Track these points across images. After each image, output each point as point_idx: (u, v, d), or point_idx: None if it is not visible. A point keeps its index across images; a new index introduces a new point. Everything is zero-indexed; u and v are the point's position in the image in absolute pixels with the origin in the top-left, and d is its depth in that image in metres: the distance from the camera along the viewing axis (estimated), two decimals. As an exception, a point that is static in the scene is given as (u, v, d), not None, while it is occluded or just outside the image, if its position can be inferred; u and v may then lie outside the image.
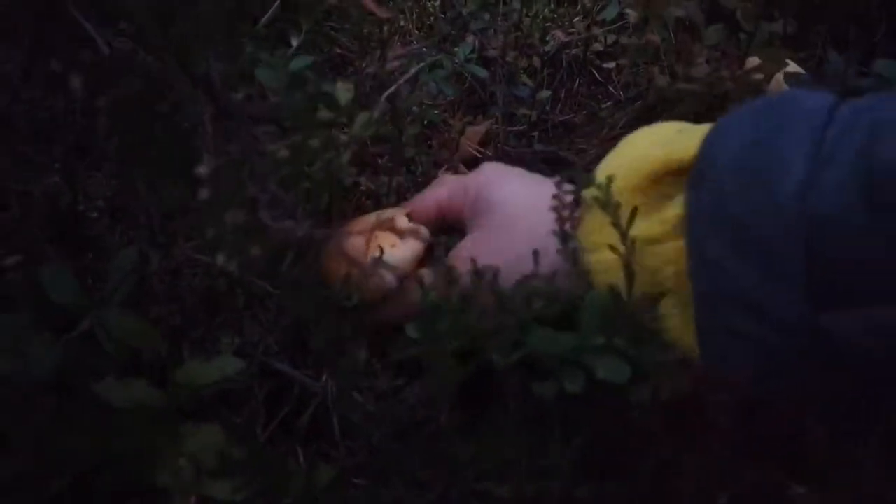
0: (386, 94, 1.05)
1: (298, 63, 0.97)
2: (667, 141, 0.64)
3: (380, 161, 1.16)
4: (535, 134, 1.31)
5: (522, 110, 1.30)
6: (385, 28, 1.04)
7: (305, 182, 0.58)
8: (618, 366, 0.66)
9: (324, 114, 0.93)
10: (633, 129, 1.30)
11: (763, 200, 0.53)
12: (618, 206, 0.61)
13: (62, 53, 0.42)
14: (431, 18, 1.63)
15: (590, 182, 0.63)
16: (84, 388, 0.54)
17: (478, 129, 1.30)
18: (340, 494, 0.59)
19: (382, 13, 1.00)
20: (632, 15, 1.09)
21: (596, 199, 0.62)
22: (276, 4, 1.19)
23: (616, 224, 0.61)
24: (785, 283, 0.51)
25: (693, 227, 0.58)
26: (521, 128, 1.32)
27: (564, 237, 0.65)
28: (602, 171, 0.67)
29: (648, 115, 1.27)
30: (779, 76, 1.12)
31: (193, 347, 0.74)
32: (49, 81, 0.54)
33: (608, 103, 1.36)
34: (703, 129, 0.62)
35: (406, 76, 1.13)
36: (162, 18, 0.46)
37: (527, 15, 1.39)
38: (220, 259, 0.41)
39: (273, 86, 0.93)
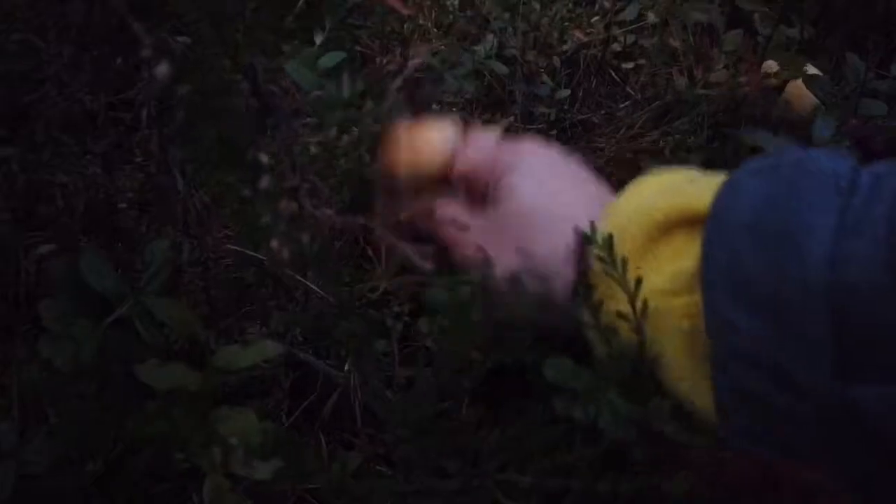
0: (401, 87, 1.06)
1: (328, 60, 0.99)
2: (677, 191, 0.63)
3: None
4: (554, 133, 1.33)
5: (541, 109, 1.31)
6: (406, 25, 1.06)
7: (336, 175, 0.60)
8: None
9: (353, 112, 0.95)
10: (651, 130, 1.33)
11: (787, 265, 0.52)
12: (625, 263, 0.60)
13: (115, 51, 0.44)
14: (451, 17, 1.65)
15: (592, 239, 0.63)
16: (123, 372, 0.56)
17: (496, 128, 1.31)
18: (367, 482, 0.60)
19: (404, 10, 1.01)
20: (651, 17, 1.10)
21: (601, 259, 0.61)
22: (302, 1, 1.21)
23: (623, 285, 0.60)
24: (809, 348, 0.51)
25: (708, 283, 0.56)
26: (540, 126, 1.33)
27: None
28: (609, 219, 0.66)
29: (666, 117, 1.28)
30: (798, 82, 1.13)
31: (220, 336, 0.76)
32: (95, 76, 0.56)
33: (626, 103, 1.37)
34: (715, 181, 0.60)
35: (426, 73, 1.15)
36: (212, 17, 0.47)
37: (546, 15, 1.40)
38: (272, 246, 0.43)
39: (303, 82, 0.95)
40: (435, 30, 1.63)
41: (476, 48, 1.20)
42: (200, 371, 0.55)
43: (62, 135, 0.66)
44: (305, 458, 0.61)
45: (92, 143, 0.69)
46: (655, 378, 0.61)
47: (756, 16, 1.07)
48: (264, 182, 0.42)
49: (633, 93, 1.42)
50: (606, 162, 1.26)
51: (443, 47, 1.25)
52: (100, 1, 0.50)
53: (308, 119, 0.54)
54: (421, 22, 1.64)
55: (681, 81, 1.09)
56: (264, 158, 0.43)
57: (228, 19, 0.46)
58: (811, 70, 1.14)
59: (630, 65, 1.34)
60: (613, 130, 1.35)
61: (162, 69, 0.39)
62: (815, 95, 1.03)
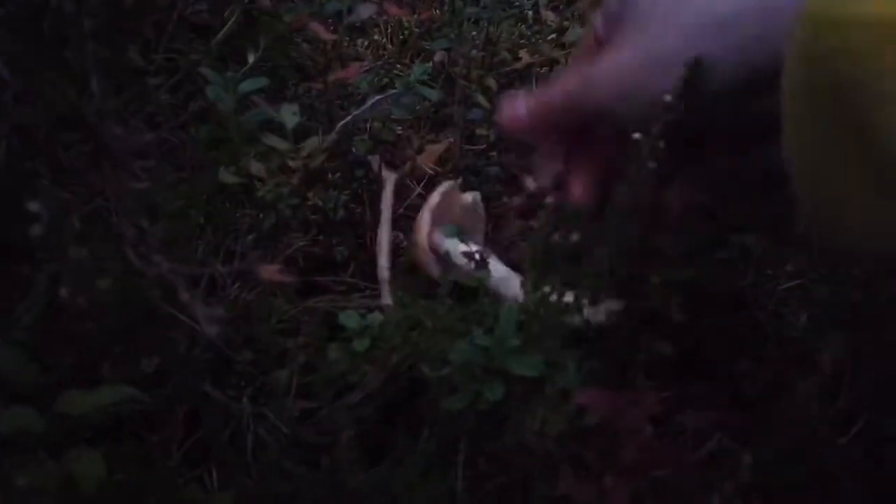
0: (341, 123, 1.05)
1: (250, 85, 0.98)
2: None
3: (329, 176, 1.16)
4: (494, 154, 1.32)
5: (480, 130, 1.31)
6: (333, 48, 1.05)
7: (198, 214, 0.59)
8: (532, 361, 0.66)
9: (271, 139, 0.94)
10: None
11: None
12: None
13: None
14: (405, 33, 1.65)
15: None
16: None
17: (436, 148, 1.31)
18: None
19: (326, 35, 1.00)
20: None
21: None
22: (234, 20, 1.21)
23: None
24: None
25: None
26: (481, 147, 1.33)
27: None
28: None
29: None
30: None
31: (112, 367, 0.75)
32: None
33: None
34: None
35: (359, 96, 1.15)
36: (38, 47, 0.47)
37: (492, 36, 1.40)
38: (64, 292, 0.42)
39: (222, 107, 0.94)
40: (390, 45, 1.62)
41: (409, 70, 1.19)
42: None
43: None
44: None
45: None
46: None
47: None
48: (36, 230, 0.41)
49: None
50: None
51: (378, 65, 1.24)
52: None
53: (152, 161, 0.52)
54: (376, 37, 1.64)
55: None
56: (35, 206, 0.41)
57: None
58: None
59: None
60: (556, 151, 1.34)
61: None
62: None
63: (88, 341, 0.59)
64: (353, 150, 1.19)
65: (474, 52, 1.42)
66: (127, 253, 0.46)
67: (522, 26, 1.58)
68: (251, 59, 1.18)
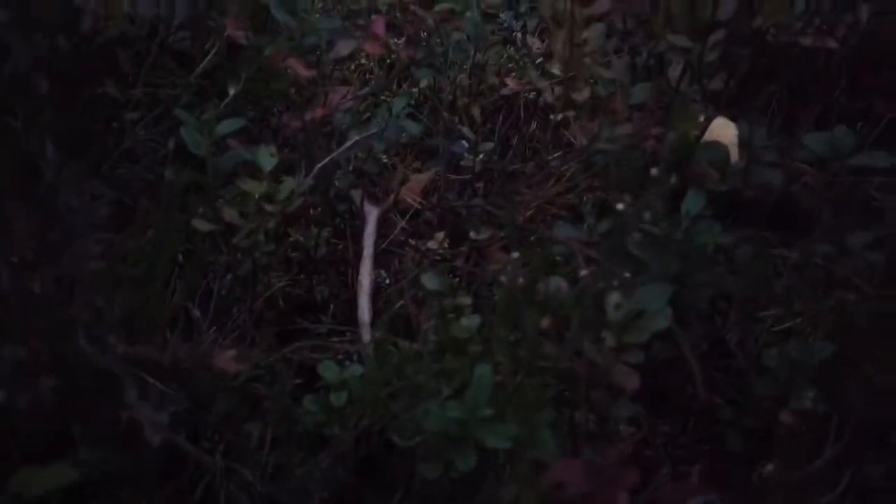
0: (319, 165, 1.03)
1: (227, 127, 0.96)
2: None
3: (311, 212, 1.14)
4: (481, 185, 1.30)
5: (465, 162, 1.29)
6: (311, 86, 1.03)
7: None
8: (505, 432, 0.64)
9: (247, 183, 0.92)
10: (581, 181, 1.30)
11: None
12: None
13: None
14: (392, 56, 1.63)
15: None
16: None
17: (420, 179, 1.29)
18: None
19: (305, 72, 0.98)
20: (558, 71, 1.07)
21: None
22: (215, 50, 1.19)
23: None
24: None
25: None
26: (467, 177, 1.31)
27: None
28: None
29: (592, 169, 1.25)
30: (718, 129, 1.10)
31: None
32: None
33: (557, 154, 1.34)
34: None
35: (340, 133, 1.13)
36: None
37: (479, 62, 1.38)
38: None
39: (197, 150, 0.92)
40: (378, 69, 1.60)
41: (399, 95, 1.17)
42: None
43: None
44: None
45: None
46: None
47: (670, 67, 1.04)
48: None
49: (571, 138, 1.39)
50: (529, 219, 1.23)
51: (361, 93, 1.22)
52: None
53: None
54: (363, 61, 1.62)
55: (581, 139, 1.06)
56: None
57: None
58: (724, 125, 1.12)
59: (559, 116, 1.31)
60: (543, 180, 1.32)
61: None
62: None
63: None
64: (336, 183, 1.17)
65: (460, 78, 1.40)
66: (79, 340, 0.44)
67: (510, 49, 1.57)
68: (232, 91, 1.16)
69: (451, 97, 1.40)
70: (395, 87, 1.49)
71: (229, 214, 0.88)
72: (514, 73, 1.50)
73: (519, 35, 1.67)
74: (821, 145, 0.98)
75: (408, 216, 1.24)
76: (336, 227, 1.17)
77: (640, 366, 0.73)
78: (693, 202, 0.83)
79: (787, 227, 1.15)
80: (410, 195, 1.26)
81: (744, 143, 0.96)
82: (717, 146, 1.00)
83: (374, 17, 1.04)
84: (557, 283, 0.79)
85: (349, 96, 1.17)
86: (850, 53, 1.29)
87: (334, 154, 1.00)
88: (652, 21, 1.09)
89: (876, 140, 1.30)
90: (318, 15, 1.22)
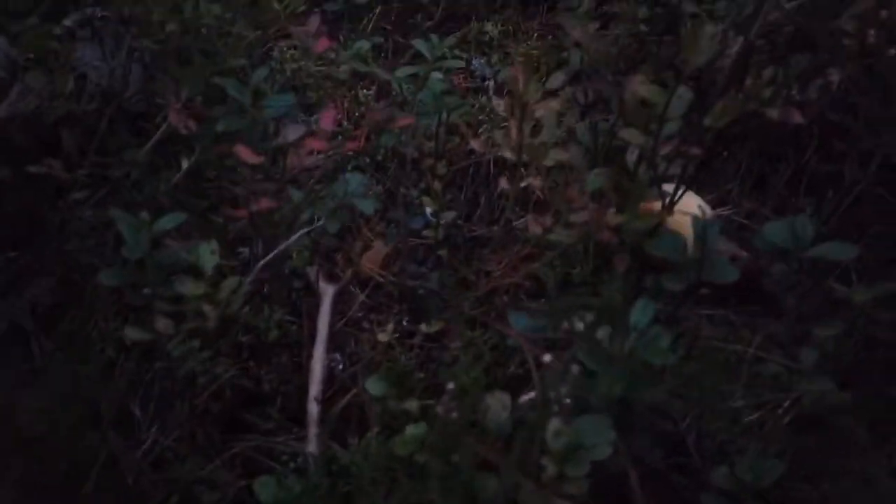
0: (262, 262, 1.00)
1: (165, 223, 0.92)
2: None
3: (265, 288, 1.11)
4: (444, 252, 1.27)
5: (426, 231, 1.26)
6: (254, 175, 1.00)
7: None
8: None
9: (185, 285, 0.89)
10: (543, 249, 1.27)
11: None
12: None
13: None
14: (362, 108, 1.59)
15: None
16: None
17: (380, 250, 1.26)
18: None
19: (252, 159, 0.96)
20: (509, 154, 1.04)
21: None
22: (165, 125, 1.16)
23: None
24: None
25: None
26: (430, 242, 1.28)
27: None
28: None
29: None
30: (678, 218, 1.07)
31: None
32: None
33: (525, 217, 1.31)
34: None
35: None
36: None
37: (444, 124, 1.35)
38: None
39: (133, 255, 0.89)
40: (348, 123, 1.56)
41: (350, 175, 1.14)
42: None
43: None
44: None
45: None
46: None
47: (628, 150, 1.01)
48: None
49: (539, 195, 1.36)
50: (491, 291, 1.20)
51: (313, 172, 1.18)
52: None
53: None
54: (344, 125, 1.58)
55: (536, 227, 1.03)
56: None
57: None
58: (695, 202, 1.09)
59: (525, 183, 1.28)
60: (508, 244, 1.29)
61: None
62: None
63: None
64: (292, 258, 1.14)
65: (427, 145, 1.38)
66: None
67: (483, 98, 1.54)
68: (185, 164, 1.14)
69: (414, 157, 1.38)
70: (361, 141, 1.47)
71: (162, 325, 0.85)
72: (480, 131, 1.48)
73: (491, 83, 1.66)
74: (780, 236, 0.96)
75: (368, 289, 1.21)
76: (292, 304, 1.14)
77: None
78: (642, 313, 0.81)
79: (754, 303, 1.13)
80: (370, 265, 1.23)
81: (698, 236, 0.93)
82: (674, 237, 0.97)
83: (324, 108, 1.00)
84: (498, 404, 0.77)
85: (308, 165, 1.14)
86: (819, 118, 1.27)
87: (281, 247, 0.97)
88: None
89: (845, 211, 1.28)
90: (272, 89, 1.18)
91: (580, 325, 0.83)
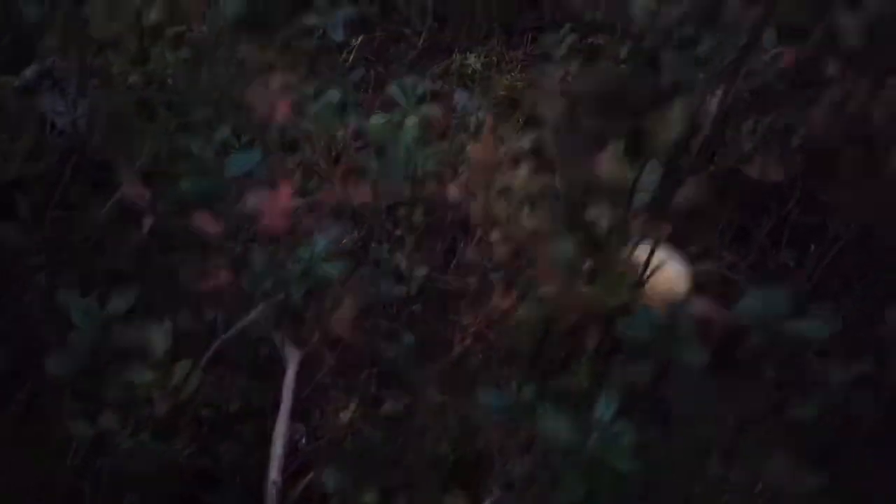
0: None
1: (117, 305, 0.89)
2: None
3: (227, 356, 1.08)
4: (418, 305, 1.24)
5: (399, 288, 1.23)
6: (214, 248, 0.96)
7: None
8: None
9: (135, 372, 0.85)
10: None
11: None
12: None
13: None
14: (340, 146, 1.56)
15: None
16: None
17: (351, 307, 1.23)
18: None
19: (212, 228, 0.92)
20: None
21: None
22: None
23: None
24: None
25: None
26: (403, 298, 1.25)
27: None
28: None
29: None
30: (662, 276, 1.04)
31: None
32: None
33: (500, 271, 1.28)
34: None
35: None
36: None
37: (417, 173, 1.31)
38: None
39: (78, 341, 0.86)
40: (322, 163, 1.53)
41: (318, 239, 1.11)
42: None
43: None
44: None
45: None
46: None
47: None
48: None
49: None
50: (464, 353, 1.17)
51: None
52: None
53: None
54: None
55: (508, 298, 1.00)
56: None
57: None
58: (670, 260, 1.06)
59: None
60: (484, 301, 1.26)
61: None
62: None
63: None
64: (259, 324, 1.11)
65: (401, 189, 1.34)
66: None
67: (455, 147, 1.50)
68: (146, 227, 1.10)
69: (388, 205, 1.35)
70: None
71: (109, 420, 0.82)
72: (461, 171, 1.45)
73: (474, 119, 1.62)
74: (755, 309, 0.93)
75: (337, 350, 1.18)
76: (257, 369, 1.11)
77: None
78: (606, 407, 0.78)
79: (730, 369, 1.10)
80: (341, 325, 1.20)
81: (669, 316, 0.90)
82: (647, 315, 0.94)
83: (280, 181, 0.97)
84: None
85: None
86: (801, 171, 1.24)
87: (242, 322, 0.94)
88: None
89: (829, 264, 1.25)
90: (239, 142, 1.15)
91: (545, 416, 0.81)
